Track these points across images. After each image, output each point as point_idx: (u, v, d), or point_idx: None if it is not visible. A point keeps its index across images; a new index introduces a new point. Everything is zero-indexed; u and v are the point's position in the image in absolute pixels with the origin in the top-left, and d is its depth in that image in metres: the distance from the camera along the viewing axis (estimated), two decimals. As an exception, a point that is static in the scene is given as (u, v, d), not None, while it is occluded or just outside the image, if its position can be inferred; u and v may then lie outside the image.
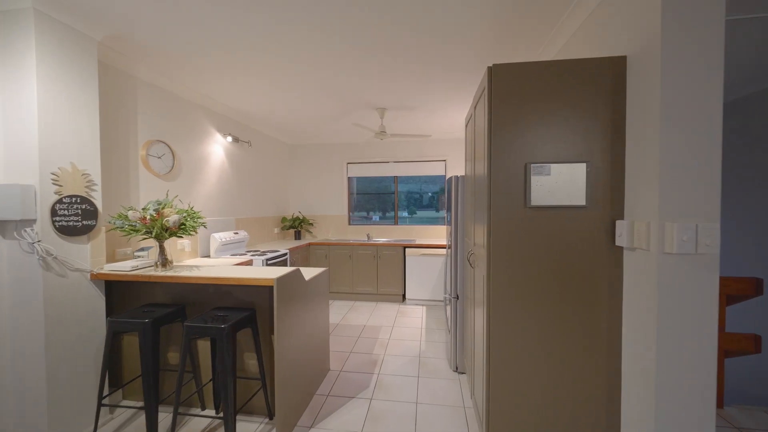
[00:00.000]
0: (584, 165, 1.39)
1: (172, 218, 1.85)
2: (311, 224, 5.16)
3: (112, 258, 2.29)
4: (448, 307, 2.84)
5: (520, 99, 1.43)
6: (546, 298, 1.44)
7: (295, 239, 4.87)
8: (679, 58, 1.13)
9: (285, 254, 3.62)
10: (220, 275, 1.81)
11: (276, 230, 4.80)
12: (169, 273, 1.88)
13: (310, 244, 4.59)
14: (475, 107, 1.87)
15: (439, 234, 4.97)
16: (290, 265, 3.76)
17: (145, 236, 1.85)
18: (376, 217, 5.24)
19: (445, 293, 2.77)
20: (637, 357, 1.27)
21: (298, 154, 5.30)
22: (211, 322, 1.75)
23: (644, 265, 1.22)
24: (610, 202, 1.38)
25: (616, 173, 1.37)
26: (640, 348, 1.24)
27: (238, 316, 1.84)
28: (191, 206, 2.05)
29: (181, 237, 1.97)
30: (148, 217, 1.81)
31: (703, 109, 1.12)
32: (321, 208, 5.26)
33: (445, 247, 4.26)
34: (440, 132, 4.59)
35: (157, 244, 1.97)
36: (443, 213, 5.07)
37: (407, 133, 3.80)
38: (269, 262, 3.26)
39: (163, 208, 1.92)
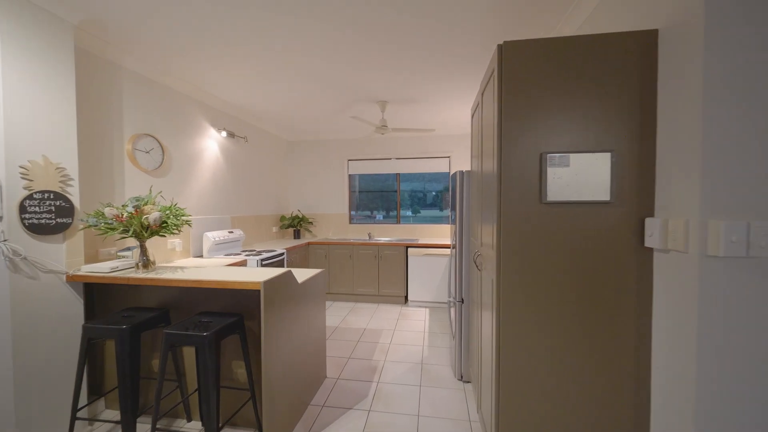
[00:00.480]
0: (608, 155, 1.22)
1: (152, 216, 1.71)
2: (311, 223, 5.01)
3: (95, 258, 2.15)
4: (453, 310, 2.68)
5: (535, 80, 1.27)
6: (563, 305, 1.28)
7: (294, 238, 4.73)
8: (726, 28, 0.96)
9: (282, 254, 3.48)
10: (202, 278, 1.66)
11: (274, 229, 4.66)
12: (150, 275, 1.73)
13: (309, 244, 4.45)
14: (482, 93, 1.70)
15: (442, 233, 4.80)
16: (287, 266, 3.62)
17: (122, 235, 1.71)
18: (380, 216, 5.08)
19: (449, 297, 2.61)
20: (670, 374, 1.10)
21: (297, 151, 5.15)
22: (192, 329, 1.60)
23: (681, 270, 1.04)
24: (639, 197, 1.21)
25: (646, 164, 1.20)
26: (674, 364, 1.07)
27: (223, 321, 1.69)
28: (175, 203, 1.91)
29: (164, 236, 1.83)
30: (126, 214, 1.66)
31: (757, 87, 0.95)
32: (321, 206, 5.10)
33: (449, 247, 4.09)
34: (444, 127, 4.42)
35: (138, 243, 1.82)
36: (447, 212, 4.90)
37: (409, 128, 3.64)
38: (264, 262, 3.11)
39: (144, 204, 1.78)
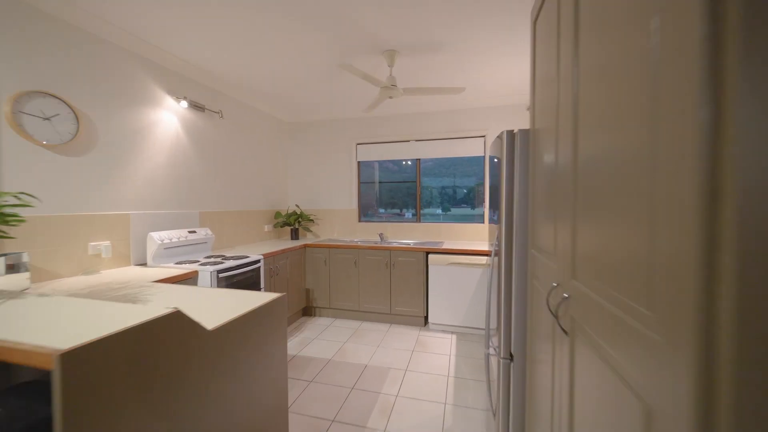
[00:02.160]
0: None
1: None
2: (311, 221, 4.16)
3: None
4: (492, 362, 1.69)
5: None
6: None
7: (292, 239, 3.89)
8: None
9: (256, 262, 2.62)
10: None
11: (266, 228, 3.85)
12: None
13: (306, 246, 3.58)
14: None
15: (474, 234, 3.73)
16: (265, 276, 2.76)
17: None
18: (409, 213, 4.12)
19: (487, 347, 1.60)
20: None
21: (294, 134, 4.30)
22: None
23: None
24: None
25: None
26: None
27: (27, 416, 0.83)
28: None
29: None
30: None
31: None
32: (324, 201, 4.23)
33: (484, 254, 3.05)
34: (477, 92, 3.35)
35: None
36: (481, 210, 3.84)
37: (428, 86, 2.62)
38: (222, 275, 2.26)
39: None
